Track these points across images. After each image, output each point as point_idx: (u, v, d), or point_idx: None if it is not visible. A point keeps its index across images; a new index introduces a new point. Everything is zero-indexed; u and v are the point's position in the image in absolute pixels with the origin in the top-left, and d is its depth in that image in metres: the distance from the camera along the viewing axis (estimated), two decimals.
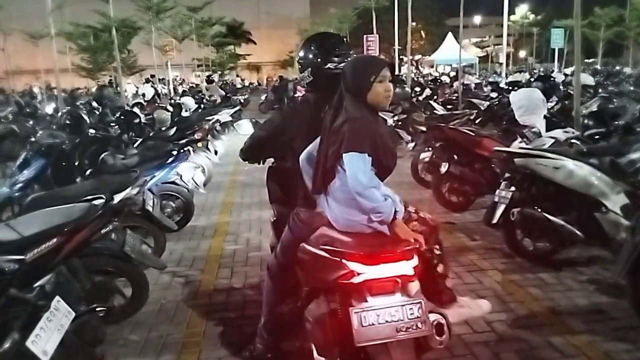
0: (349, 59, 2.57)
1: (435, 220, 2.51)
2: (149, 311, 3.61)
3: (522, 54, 58.05)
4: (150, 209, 4.21)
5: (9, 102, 14.11)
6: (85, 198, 3.30)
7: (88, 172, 5.39)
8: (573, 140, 4.77)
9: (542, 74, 10.61)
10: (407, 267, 2.09)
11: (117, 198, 3.58)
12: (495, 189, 5.70)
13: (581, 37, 5.97)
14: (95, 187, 3.76)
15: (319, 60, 2.58)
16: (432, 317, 2.17)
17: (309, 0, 56.66)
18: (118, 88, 15.24)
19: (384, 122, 2.41)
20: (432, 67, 43.60)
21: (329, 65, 2.57)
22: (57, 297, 2.32)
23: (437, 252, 2.46)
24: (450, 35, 35.94)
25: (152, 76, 25.93)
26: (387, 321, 2.03)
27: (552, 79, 8.04)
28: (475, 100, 11.57)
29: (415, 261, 2.12)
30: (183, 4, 23.14)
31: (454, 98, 13.25)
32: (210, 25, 32.87)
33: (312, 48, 2.63)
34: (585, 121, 5.47)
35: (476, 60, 36.03)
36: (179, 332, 3.34)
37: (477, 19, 54.72)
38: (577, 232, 3.97)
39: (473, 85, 16.00)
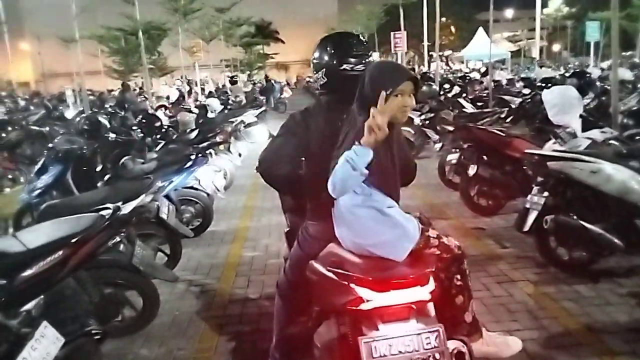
0: (368, 60, 2.38)
1: (462, 248, 2.24)
2: (162, 323, 3.50)
3: (555, 47, 56.41)
4: (164, 216, 4.10)
5: (44, 105, 14.39)
6: (95, 207, 3.22)
7: (107, 177, 5.32)
8: (611, 141, 4.44)
9: (577, 70, 10.09)
10: (422, 292, 1.89)
11: (129, 207, 3.49)
12: (527, 192, 5.42)
13: (618, 29, 5.61)
14: (108, 196, 3.67)
15: (334, 60, 2.36)
16: (452, 345, 1.96)
17: None
18: (144, 90, 15.35)
19: (397, 140, 2.14)
20: (462, 62, 42.80)
21: (344, 66, 2.36)
22: (45, 323, 2.19)
23: (458, 283, 2.21)
24: (481, 30, 35.13)
25: (179, 78, 26.12)
26: (400, 352, 1.83)
27: (588, 74, 7.61)
28: (506, 97, 11.20)
29: (431, 286, 1.92)
30: (210, 5, 23.25)
31: (484, 95, 12.85)
32: (238, 26, 33.06)
33: (328, 48, 2.42)
34: (625, 120, 5.12)
35: (508, 55, 35.13)
36: (191, 347, 3.21)
37: (509, 13, 53.36)
38: (617, 240, 3.69)
39: (504, 82, 15.50)
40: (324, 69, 2.37)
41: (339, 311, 2.05)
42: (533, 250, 4.36)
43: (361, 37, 2.63)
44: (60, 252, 2.80)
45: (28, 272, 2.53)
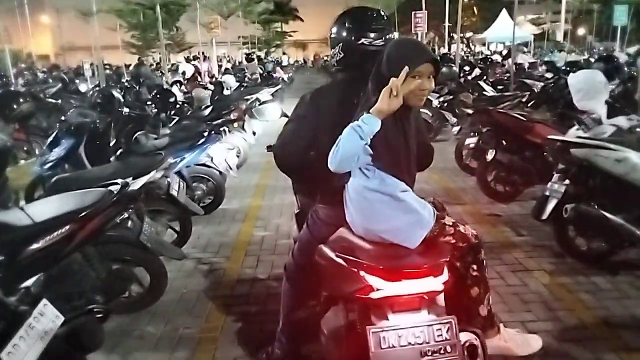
0: (389, 36, 2.26)
1: (479, 237, 2.11)
2: (169, 300, 3.47)
3: (580, 31, 54.98)
4: (175, 193, 4.05)
5: (60, 78, 14.40)
6: (105, 182, 3.17)
7: (119, 151, 5.29)
8: (637, 129, 4.26)
9: (604, 54, 9.74)
10: (435, 283, 1.80)
11: (139, 182, 3.44)
12: (546, 179, 5.26)
13: None
14: (118, 170, 3.63)
15: (352, 35, 2.23)
16: (464, 337, 1.88)
17: None
18: (160, 65, 15.28)
19: (415, 124, 2.04)
20: (483, 45, 41.94)
21: (362, 40, 2.22)
22: (44, 301, 2.14)
23: (474, 274, 2.11)
24: (504, 11, 34.29)
25: (195, 56, 25.92)
26: (410, 343, 1.75)
27: (615, 59, 7.33)
28: (528, 81, 10.91)
29: (445, 276, 1.83)
30: None
31: (506, 78, 12.55)
32: (256, 2, 32.75)
33: (346, 22, 2.29)
34: None
35: (531, 38, 34.33)
36: (197, 326, 3.17)
37: None
38: (638, 232, 3.56)
39: (527, 65, 15.11)
40: (341, 44, 2.25)
41: (348, 298, 1.97)
42: (550, 239, 4.25)
43: (381, 12, 2.50)
44: (67, 227, 2.76)
45: (34, 246, 2.49)
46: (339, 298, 2.09)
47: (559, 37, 35.44)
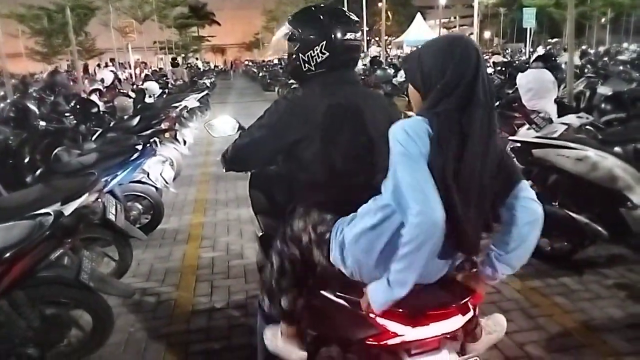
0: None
1: None
2: (116, 343, 2.99)
3: (487, 34, 58.20)
4: (112, 217, 3.55)
5: None
6: (31, 213, 2.66)
7: (38, 171, 4.65)
8: (587, 127, 4.32)
9: (543, 53, 10.14)
10: (461, 321, 1.56)
11: (70, 208, 2.94)
12: None
13: (547, 16, 5.52)
14: (43, 196, 3.08)
15: (337, 32, 1.98)
16: None
17: None
18: (75, 73, 14.21)
19: None
20: (399, 48, 43.24)
21: (348, 36, 2.00)
22: None
23: None
24: (419, 15, 35.57)
25: (112, 60, 24.55)
26: None
27: (553, 57, 7.59)
28: None
29: (471, 312, 1.59)
30: None
31: None
32: (172, 6, 31.61)
33: (324, 19, 2.03)
34: (603, 105, 5.04)
35: None
36: None
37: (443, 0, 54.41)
38: (602, 230, 3.56)
39: None
40: (324, 43, 1.96)
41: (353, 344, 1.68)
42: None
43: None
44: None
45: None
46: (340, 344, 1.79)
47: (473, 39, 37.17)
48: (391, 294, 1.43)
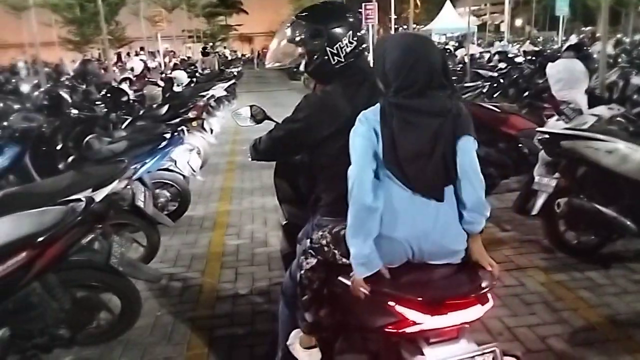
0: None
1: None
2: (143, 326, 3.09)
3: (518, 22, 56.86)
4: (141, 204, 3.65)
5: None
6: (63, 199, 2.76)
7: (70, 158, 4.79)
8: (618, 118, 4.22)
9: (575, 42, 9.89)
10: (480, 311, 1.57)
11: (101, 194, 3.03)
12: (522, 171, 5.21)
13: (581, 4, 5.36)
14: (75, 182, 3.19)
15: (356, 20, 2.10)
16: None
17: None
18: (106, 62, 14.49)
19: None
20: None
21: (363, 30, 2.10)
22: None
23: None
24: (448, 3, 34.88)
25: (142, 48, 24.88)
26: None
27: (585, 47, 7.40)
28: (481, 72, 10.99)
29: (491, 303, 1.60)
30: None
31: (458, 69, 12.62)
32: None
33: (341, 10, 2.11)
34: (635, 97, 4.91)
35: (475, 29, 35.00)
36: (178, 356, 2.83)
37: None
38: (630, 223, 3.49)
39: (477, 55, 15.31)
40: (350, 33, 2.02)
41: (372, 332, 1.71)
42: (535, 233, 4.17)
43: None
44: (24, 254, 2.38)
45: None
46: (359, 331, 1.82)
47: (503, 27, 36.34)
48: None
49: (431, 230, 1.62)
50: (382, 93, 1.76)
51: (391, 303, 1.57)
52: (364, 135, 1.69)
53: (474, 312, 1.57)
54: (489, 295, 1.61)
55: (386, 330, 1.61)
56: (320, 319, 1.93)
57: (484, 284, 1.59)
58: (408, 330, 1.57)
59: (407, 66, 1.66)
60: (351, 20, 2.05)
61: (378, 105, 1.73)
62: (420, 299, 1.53)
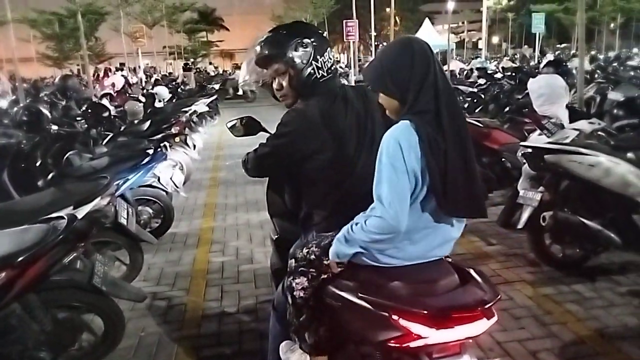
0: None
1: None
2: (126, 347, 3.00)
3: (495, 39, 58.07)
4: (124, 221, 3.56)
5: None
6: (44, 217, 2.68)
7: (50, 175, 4.67)
8: (599, 132, 4.29)
9: (554, 58, 10.10)
10: (485, 325, 1.55)
11: (83, 212, 2.96)
12: (505, 185, 5.26)
13: (555, 22, 5.50)
14: (56, 199, 3.13)
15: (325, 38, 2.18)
16: None
17: None
18: (85, 77, 14.33)
19: None
20: None
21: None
22: None
23: None
24: (427, 20, 35.46)
25: (122, 64, 24.71)
26: None
27: (564, 62, 7.56)
28: (461, 87, 11.14)
29: (495, 317, 1.58)
30: None
31: None
32: (181, 11, 31.82)
33: (313, 27, 2.25)
34: (615, 111, 5.00)
35: (453, 46, 35.60)
36: None
37: (451, 5, 54.35)
38: (614, 236, 3.53)
39: (457, 71, 15.58)
40: (329, 48, 2.07)
41: (373, 346, 1.67)
42: (520, 247, 4.21)
43: None
44: (3, 274, 2.30)
45: None
46: (352, 343, 1.78)
47: (481, 44, 37.06)
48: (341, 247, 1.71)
49: (437, 246, 1.64)
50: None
51: (395, 317, 1.54)
52: (407, 160, 1.57)
53: (480, 326, 1.55)
54: (493, 309, 1.59)
55: (388, 345, 1.58)
56: (321, 337, 1.88)
57: (488, 297, 1.57)
58: (412, 344, 1.54)
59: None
60: (324, 38, 2.10)
61: (408, 126, 1.60)
62: (426, 312, 1.51)
